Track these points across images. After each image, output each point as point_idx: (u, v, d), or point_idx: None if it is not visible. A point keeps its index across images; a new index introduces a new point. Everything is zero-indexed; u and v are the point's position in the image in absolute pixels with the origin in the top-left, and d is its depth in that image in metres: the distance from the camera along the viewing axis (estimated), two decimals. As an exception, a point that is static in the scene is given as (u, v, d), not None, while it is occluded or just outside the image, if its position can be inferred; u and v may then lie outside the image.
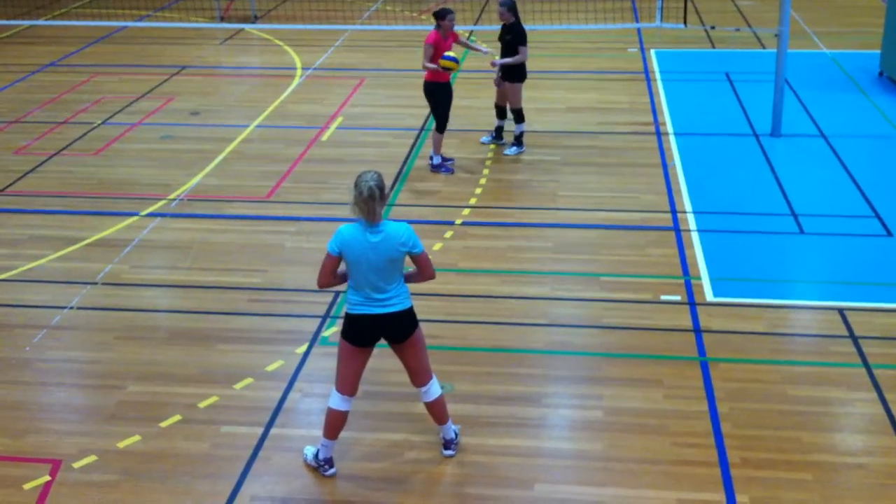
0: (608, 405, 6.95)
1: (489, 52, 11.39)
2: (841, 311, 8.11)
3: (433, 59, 10.57)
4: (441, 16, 10.63)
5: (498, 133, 12.01)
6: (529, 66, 11.67)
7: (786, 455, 6.38)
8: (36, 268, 9.13)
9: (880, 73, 14.49)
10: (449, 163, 11.23)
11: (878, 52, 14.67)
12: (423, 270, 6.03)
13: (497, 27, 11.77)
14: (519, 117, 11.62)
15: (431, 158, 11.19)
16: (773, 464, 6.30)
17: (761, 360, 7.45)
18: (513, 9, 11.28)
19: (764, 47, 16.25)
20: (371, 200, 5.76)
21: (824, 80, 14.50)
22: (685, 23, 13.68)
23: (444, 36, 10.65)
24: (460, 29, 17.62)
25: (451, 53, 10.51)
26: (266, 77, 15.51)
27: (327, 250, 5.88)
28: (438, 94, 10.90)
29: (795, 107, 13.11)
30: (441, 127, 11.01)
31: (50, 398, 7.21)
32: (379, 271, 5.86)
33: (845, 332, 7.79)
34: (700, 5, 19.40)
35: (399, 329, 6.03)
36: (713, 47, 16.54)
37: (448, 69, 10.53)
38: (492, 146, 11.97)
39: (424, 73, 10.85)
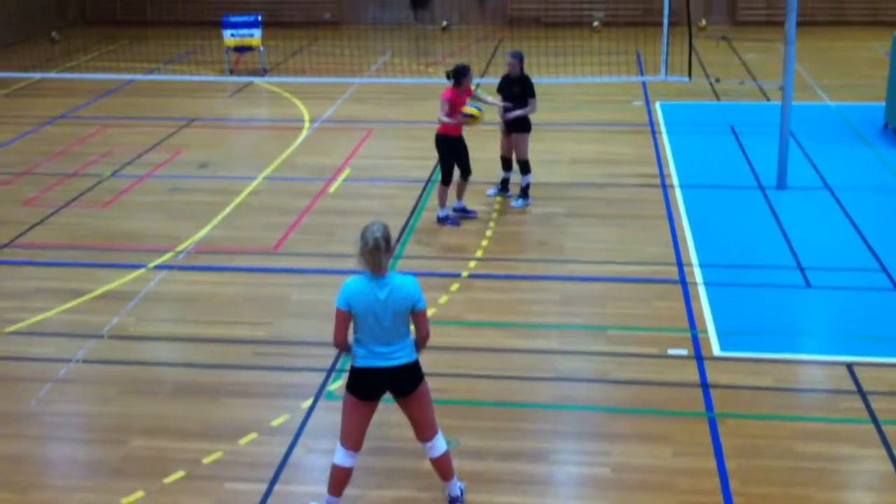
0: (616, 462, 6.89)
1: (507, 105, 11.42)
2: (849, 365, 8.06)
3: (450, 114, 10.68)
4: (463, 73, 10.77)
5: (504, 185, 12.06)
6: (535, 118, 11.75)
7: (795, 513, 6.31)
8: (42, 321, 9.14)
9: (885, 126, 14.56)
10: (455, 215, 11.27)
11: (883, 104, 14.75)
12: (420, 328, 6.03)
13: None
14: (525, 168, 11.68)
15: (459, 209, 11.27)
16: (783, 522, 6.24)
17: (769, 416, 7.40)
18: (522, 60, 11.44)
19: (768, 100, 16.35)
20: (377, 251, 5.78)
21: (829, 132, 14.57)
22: (690, 76, 13.79)
23: (460, 92, 10.78)
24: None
25: (477, 103, 10.85)
26: (274, 129, 15.65)
27: (336, 306, 5.89)
28: (448, 147, 10.98)
29: (800, 159, 13.16)
30: (447, 179, 11.08)
31: (54, 452, 7.19)
32: (385, 324, 5.86)
33: (853, 388, 7.74)
34: (704, 58, 19.58)
35: (404, 382, 6.01)
36: (718, 100, 16.66)
37: (472, 116, 10.72)
38: (498, 198, 12.02)
39: (437, 126, 10.94)
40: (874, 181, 12.45)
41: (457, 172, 11.15)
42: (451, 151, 10.99)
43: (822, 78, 17.90)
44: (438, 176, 11.24)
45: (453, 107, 10.70)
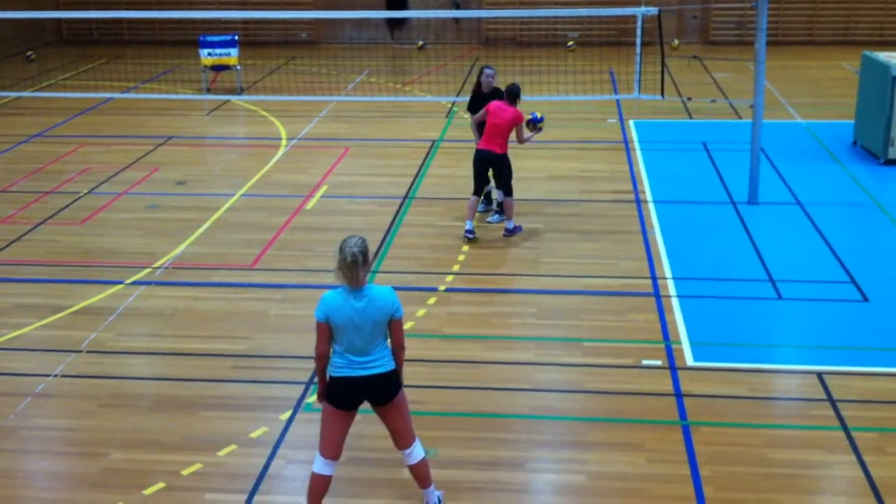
0: (591, 469, 6.99)
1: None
2: (819, 374, 8.22)
3: (507, 132, 11.01)
4: (518, 93, 11.05)
5: (487, 198, 12.14)
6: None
7: (767, 518, 6.43)
8: (20, 336, 9.15)
9: (854, 143, 14.82)
10: (518, 225, 11.50)
11: (852, 121, 15.02)
12: (396, 336, 6.11)
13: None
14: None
15: (507, 224, 11.41)
16: (755, 527, 6.35)
17: (742, 424, 7.53)
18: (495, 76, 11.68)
19: (740, 118, 16.60)
20: (354, 266, 5.88)
21: (799, 149, 14.81)
22: (662, 94, 14.01)
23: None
24: (444, 100, 18.00)
25: (539, 114, 11.25)
26: (251, 147, 15.72)
27: (315, 318, 5.98)
28: (508, 164, 11.22)
29: (771, 175, 13.38)
30: (510, 192, 11.28)
31: (34, 466, 7.20)
32: (363, 334, 5.95)
33: (824, 396, 7.89)
34: (677, 77, 19.84)
35: (382, 391, 6.09)
36: (690, 118, 16.89)
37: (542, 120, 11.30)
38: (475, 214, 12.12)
39: (495, 148, 10.99)
40: (843, 196, 12.68)
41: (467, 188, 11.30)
42: (509, 166, 11.21)
43: (793, 96, 18.19)
44: (470, 193, 11.31)
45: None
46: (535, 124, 11.21)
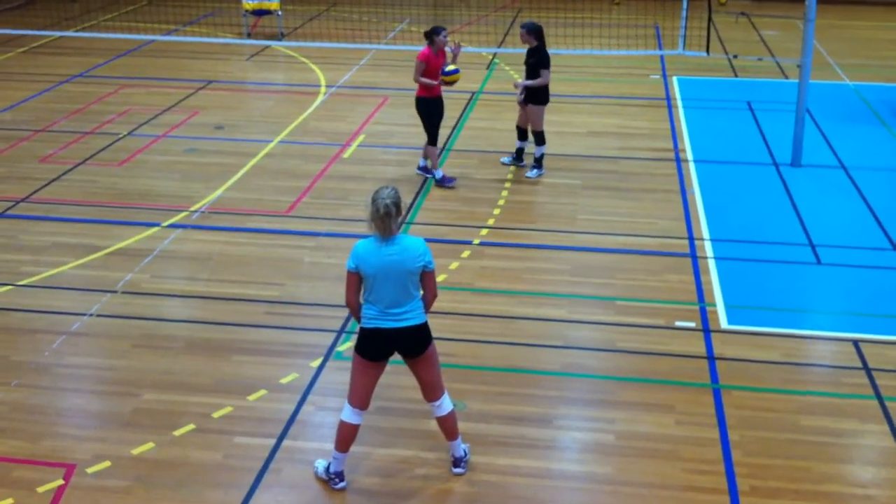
0: (620, 429, 6.97)
1: (519, 83, 11.57)
2: (855, 342, 8.11)
3: (426, 74, 11.03)
4: (436, 32, 11.07)
5: (518, 155, 12.08)
6: (551, 89, 11.73)
7: (795, 484, 6.38)
8: (57, 274, 9.25)
9: (903, 107, 14.51)
10: (450, 182, 11.45)
11: (901, 85, 14.70)
12: (429, 288, 6.10)
13: (522, 50, 11.90)
14: (540, 140, 11.69)
15: (433, 173, 11.47)
16: (783, 493, 6.31)
17: (774, 389, 7.46)
18: (533, 32, 11.39)
19: (786, 77, 16.28)
20: (387, 218, 5.85)
21: (846, 111, 14.51)
22: (708, 51, 13.72)
23: (435, 52, 11.04)
24: (485, 51, 17.79)
25: (451, 67, 11.09)
26: (290, 93, 15.66)
27: (346, 268, 5.98)
28: (431, 109, 11.23)
29: (816, 137, 13.13)
30: (434, 139, 11.34)
31: (67, 403, 7.31)
32: (394, 285, 5.93)
33: (859, 364, 7.79)
34: (723, 34, 19.46)
35: (413, 343, 6.08)
36: (735, 76, 16.59)
37: (452, 82, 11.15)
38: (511, 167, 12.04)
39: (416, 90, 11.20)
40: (889, 161, 12.41)
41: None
42: (431, 112, 11.22)
43: (842, 57, 17.78)
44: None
45: (429, 67, 11.00)
46: (445, 75, 11.06)
